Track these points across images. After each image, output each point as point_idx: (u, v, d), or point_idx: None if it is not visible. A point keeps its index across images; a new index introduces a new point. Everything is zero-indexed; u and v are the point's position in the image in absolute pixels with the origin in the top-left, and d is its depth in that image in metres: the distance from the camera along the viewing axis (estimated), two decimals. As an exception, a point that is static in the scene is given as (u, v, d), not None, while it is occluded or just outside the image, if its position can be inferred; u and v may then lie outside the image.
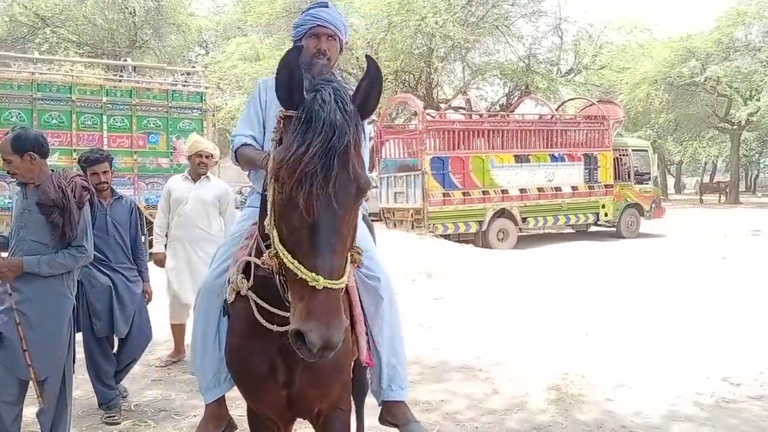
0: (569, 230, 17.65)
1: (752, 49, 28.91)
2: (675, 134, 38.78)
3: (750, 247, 13.86)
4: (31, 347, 3.18)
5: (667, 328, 6.53)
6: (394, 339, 2.56)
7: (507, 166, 15.23)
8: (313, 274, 1.57)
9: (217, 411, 2.42)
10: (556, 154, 15.95)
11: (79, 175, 3.59)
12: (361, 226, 2.14)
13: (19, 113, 10.61)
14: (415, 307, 7.44)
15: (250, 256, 2.09)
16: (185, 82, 12.85)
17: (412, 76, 24.72)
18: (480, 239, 14.71)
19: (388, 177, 15.98)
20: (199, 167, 5.39)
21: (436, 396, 4.59)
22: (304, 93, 1.74)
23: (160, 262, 5.45)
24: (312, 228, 1.62)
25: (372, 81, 1.81)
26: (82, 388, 4.51)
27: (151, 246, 5.91)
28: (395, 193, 15.70)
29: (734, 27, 28.11)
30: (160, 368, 5.39)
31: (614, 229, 17.06)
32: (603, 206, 16.56)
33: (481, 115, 17.14)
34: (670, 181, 52.48)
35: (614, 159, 16.84)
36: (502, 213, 15.04)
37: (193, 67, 17.08)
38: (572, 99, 23.24)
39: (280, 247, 1.67)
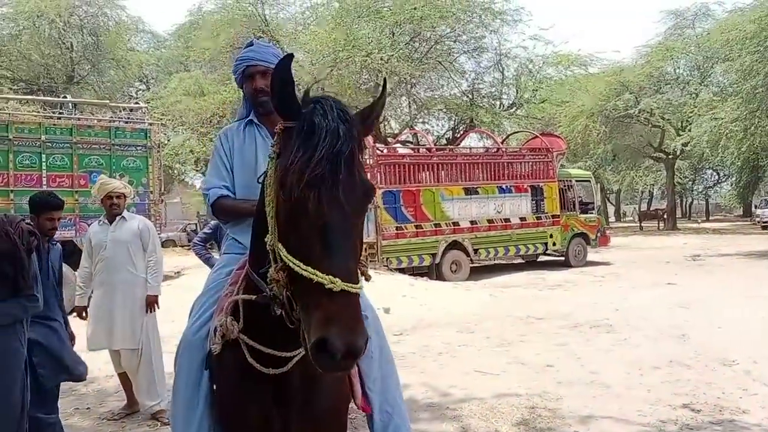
0: (519, 260, 17.92)
1: (681, 82, 30.54)
2: (613, 164, 40.37)
3: (693, 271, 14.37)
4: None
5: (624, 356, 6.61)
6: (387, 381, 2.42)
7: (457, 199, 15.40)
8: (330, 276, 1.50)
9: None
10: (503, 186, 16.25)
11: (23, 219, 3.37)
12: None
13: (-47, 154, 10.09)
14: (375, 345, 7.28)
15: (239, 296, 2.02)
16: (128, 118, 12.51)
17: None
18: (434, 272, 14.71)
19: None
20: (112, 209, 5.19)
21: (406, 438, 4.44)
22: (300, 103, 1.71)
23: (81, 315, 5.16)
24: (324, 231, 1.56)
25: (375, 100, 1.84)
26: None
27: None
28: (347, 227, 15.53)
29: (663, 61, 29.66)
30: (112, 422, 5.06)
31: (563, 258, 17.40)
32: (551, 236, 16.91)
33: (429, 149, 17.36)
34: (611, 209, 54.33)
35: (559, 190, 17.29)
36: (454, 245, 15.13)
37: (137, 102, 16.69)
38: (516, 132, 23.84)
39: (290, 258, 1.59)
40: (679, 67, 31.35)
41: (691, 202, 56.85)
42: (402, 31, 22.02)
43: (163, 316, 5.53)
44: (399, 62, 21.30)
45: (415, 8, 21.28)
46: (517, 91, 27.84)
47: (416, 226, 14.69)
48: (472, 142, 24.30)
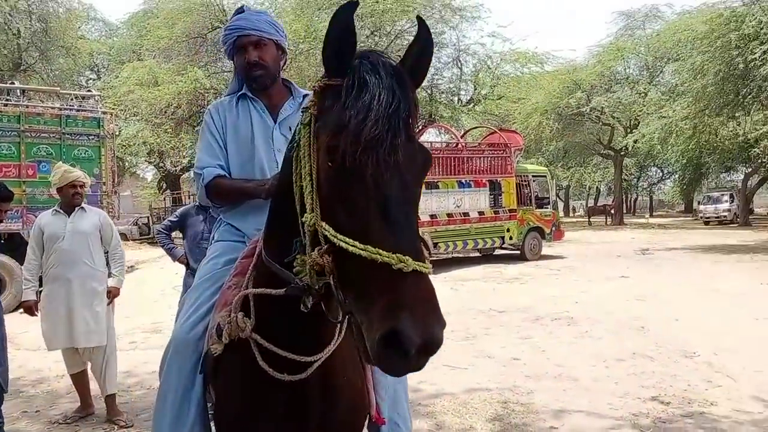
0: (476, 254, 18.11)
1: (631, 81, 31.42)
2: (563, 161, 41.31)
3: (643, 265, 14.80)
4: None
5: (587, 348, 6.73)
6: (398, 390, 2.21)
7: (418, 193, 15.38)
8: (398, 254, 1.25)
9: None
10: (463, 181, 16.37)
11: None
12: None
13: None
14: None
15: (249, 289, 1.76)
16: (80, 106, 12.01)
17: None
18: (393, 266, 14.66)
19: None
20: (74, 198, 4.93)
21: (381, 435, 4.39)
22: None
23: (30, 310, 4.84)
24: (386, 202, 1.32)
25: (422, 46, 1.52)
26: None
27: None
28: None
29: (614, 61, 30.45)
30: (65, 425, 4.79)
31: (519, 252, 17.67)
32: (508, 230, 17.13)
33: (389, 143, 17.29)
34: (560, 205, 55.55)
35: (516, 185, 17.53)
36: (414, 239, 15.12)
37: (89, 90, 16.06)
38: (476, 127, 24.05)
39: (341, 237, 1.33)
40: (629, 67, 32.27)
41: (636, 198, 58.70)
42: (363, 24, 21.85)
43: (117, 311, 5.31)
44: (359, 55, 21.13)
45: (377, 1, 21.17)
46: (475, 87, 28.09)
47: (377, 221, 14.61)
48: (431, 137, 24.40)
